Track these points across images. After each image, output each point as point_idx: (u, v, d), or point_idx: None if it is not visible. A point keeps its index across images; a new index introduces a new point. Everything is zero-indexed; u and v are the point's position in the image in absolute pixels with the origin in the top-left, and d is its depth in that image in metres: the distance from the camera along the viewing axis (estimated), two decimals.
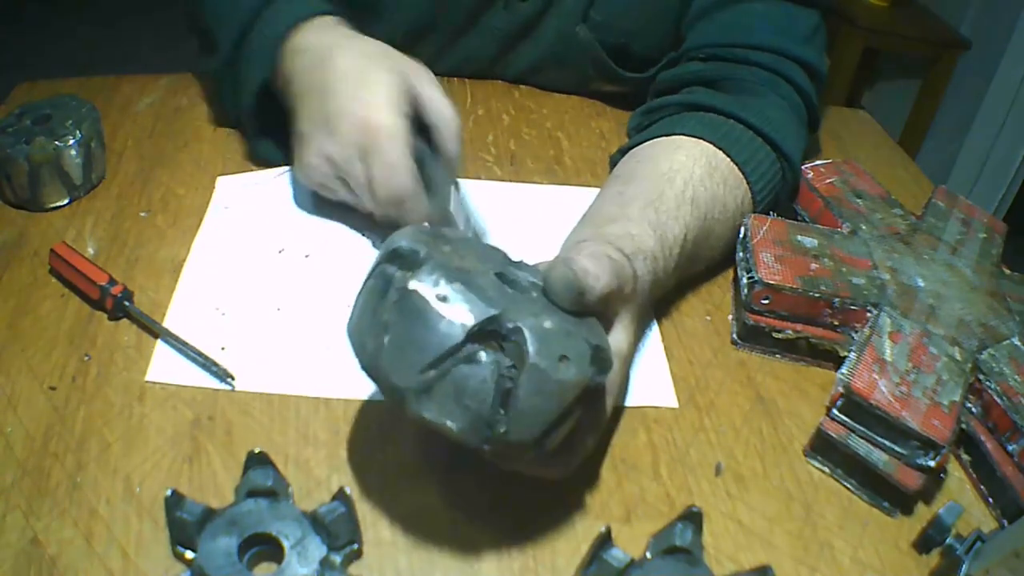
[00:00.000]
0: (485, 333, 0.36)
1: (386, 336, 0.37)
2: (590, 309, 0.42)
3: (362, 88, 0.54)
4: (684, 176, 0.58)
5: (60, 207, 0.62)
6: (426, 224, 0.51)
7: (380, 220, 0.56)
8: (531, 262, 0.49)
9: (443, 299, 0.36)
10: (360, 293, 0.40)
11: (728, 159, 0.61)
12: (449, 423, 0.36)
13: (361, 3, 0.75)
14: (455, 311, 0.36)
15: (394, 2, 0.76)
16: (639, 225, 0.52)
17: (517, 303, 0.38)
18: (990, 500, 0.50)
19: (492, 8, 0.77)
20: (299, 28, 0.60)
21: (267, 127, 0.66)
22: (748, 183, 0.62)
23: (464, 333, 0.35)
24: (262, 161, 0.68)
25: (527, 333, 0.36)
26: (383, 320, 0.37)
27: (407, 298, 0.37)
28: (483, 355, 0.36)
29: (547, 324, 0.38)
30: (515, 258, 0.45)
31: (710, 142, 0.61)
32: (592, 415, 0.43)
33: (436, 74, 0.59)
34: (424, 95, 0.57)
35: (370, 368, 0.38)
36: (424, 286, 0.37)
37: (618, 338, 0.46)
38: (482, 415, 0.36)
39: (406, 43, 0.79)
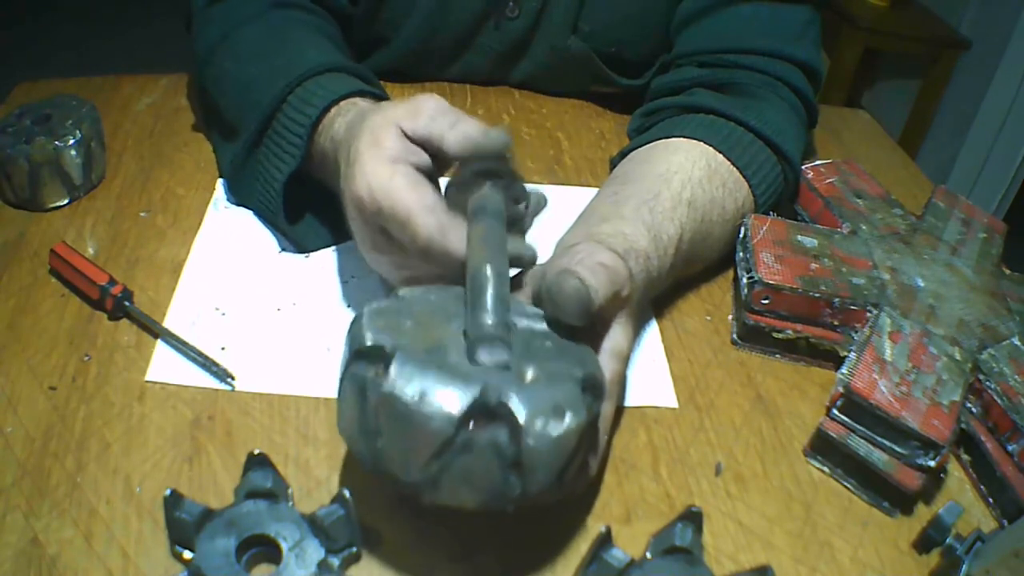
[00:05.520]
0: (473, 415, 0.36)
1: (379, 440, 0.37)
2: (590, 320, 0.42)
3: (352, 165, 0.48)
4: (682, 178, 0.57)
5: (60, 207, 0.62)
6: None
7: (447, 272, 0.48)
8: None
9: (422, 396, 0.35)
10: (339, 394, 0.40)
11: (728, 162, 0.61)
12: (467, 503, 0.37)
13: (367, 35, 0.77)
14: (437, 406, 0.35)
15: (395, 31, 0.77)
16: (632, 224, 0.51)
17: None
18: (990, 500, 0.50)
19: (483, 29, 0.78)
20: (327, 113, 0.56)
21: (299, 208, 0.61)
22: (750, 186, 0.62)
23: (453, 426, 0.35)
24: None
25: (513, 401, 0.36)
26: (372, 427, 0.37)
27: (387, 404, 0.36)
28: (478, 438, 0.36)
29: (530, 375, 0.38)
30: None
31: (711, 145, 0.61)
32: (595, 435, 0.43)
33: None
34: (428, 129, 0.48)
35: (373, 469, 0.38)
36: (399, 388, 0.36)
37: (616, 339, 0.46)
38: (495, 488, 0.37)
39: (406, 66, 0.80)
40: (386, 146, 0.47)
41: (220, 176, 0.67)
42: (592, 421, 0.40)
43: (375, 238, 0.49)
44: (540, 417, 0.36)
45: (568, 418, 0.37)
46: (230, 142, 0.63)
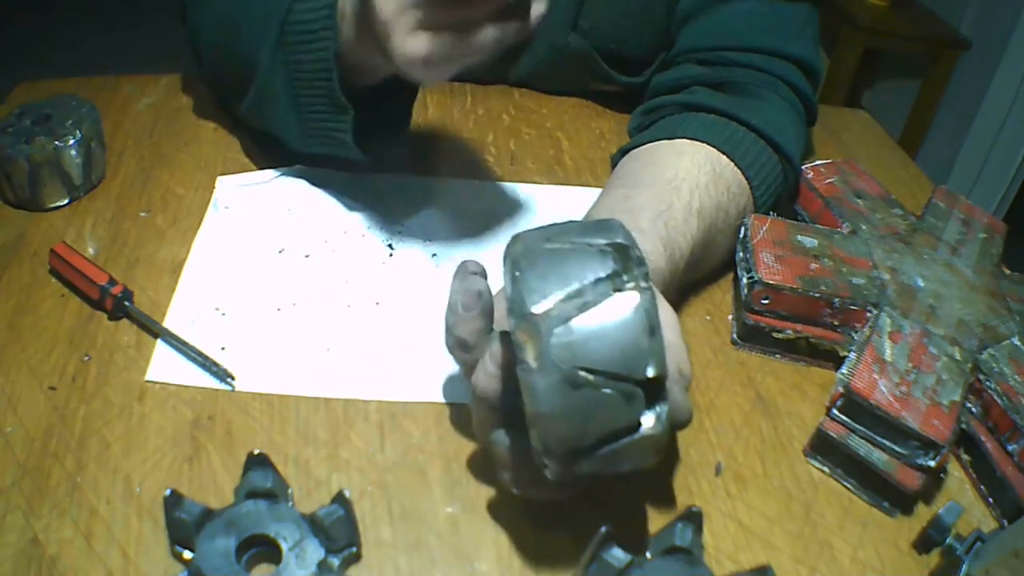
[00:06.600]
0: (645, 383, 0.36)
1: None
2: None
3: None
4: (690, 184, 0.58)
5: (60, 207, 0.62)
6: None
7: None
8: None
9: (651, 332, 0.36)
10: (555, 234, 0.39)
11: (732, 164, 0.61)
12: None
13: None
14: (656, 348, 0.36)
15: None
16: (651, 241, 0.52)
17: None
18: (990, 500, 0.50)
19: None
20: None
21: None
22: (751, 187, 0.62)
23: (648, 375, 0.36)
24: (267, 157, 0.65)
25: (663, 415, 0.37)
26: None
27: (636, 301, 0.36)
28: (639, 404, 0.36)
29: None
30: None
31: (714, 146, 0.61)
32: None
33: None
34: None
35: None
36: (648, 297, 0.36)
37: None
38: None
39: None
40: None
41: (243, 112, 0.65)
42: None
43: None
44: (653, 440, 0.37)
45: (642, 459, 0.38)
46: (250, 83, 0.61)
